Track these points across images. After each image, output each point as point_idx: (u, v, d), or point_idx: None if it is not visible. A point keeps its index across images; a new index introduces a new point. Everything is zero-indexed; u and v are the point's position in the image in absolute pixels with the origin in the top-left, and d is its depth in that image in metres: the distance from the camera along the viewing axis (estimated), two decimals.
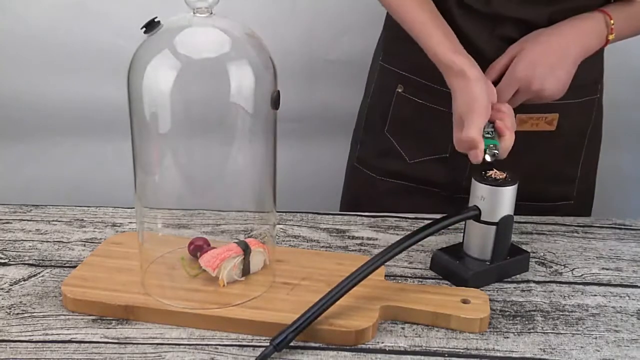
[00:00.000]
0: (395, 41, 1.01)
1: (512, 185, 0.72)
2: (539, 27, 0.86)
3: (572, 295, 0.73)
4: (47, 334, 0.64)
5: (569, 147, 0.98)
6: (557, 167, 0.98)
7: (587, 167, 1.01)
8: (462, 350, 0.63)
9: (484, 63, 0.89)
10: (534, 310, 0.70)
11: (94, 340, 0.63)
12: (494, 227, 0.73)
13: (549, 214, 0.93)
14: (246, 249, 0.69)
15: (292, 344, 0.63)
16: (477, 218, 0.73)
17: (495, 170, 0.74)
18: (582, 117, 0.97)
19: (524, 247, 0.80)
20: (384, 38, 1.03)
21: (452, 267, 0.75)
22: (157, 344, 0.63)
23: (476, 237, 0.75)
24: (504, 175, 0.73)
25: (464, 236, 0.76)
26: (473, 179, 0.73)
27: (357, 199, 1.06)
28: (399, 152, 1.00)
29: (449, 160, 0.97)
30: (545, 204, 0.98)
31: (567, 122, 0.95)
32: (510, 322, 0.68)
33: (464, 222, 0.75)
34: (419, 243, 0.82)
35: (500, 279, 0.75)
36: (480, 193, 0.72)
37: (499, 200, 0.72)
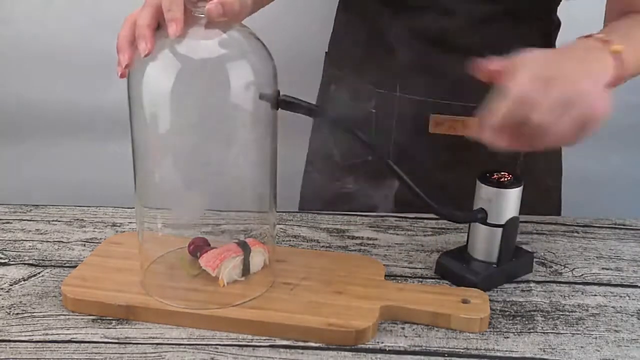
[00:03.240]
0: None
1: (517, 186, 0.72)
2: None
3: (572, 295, 0.73)
4: (47, 334, 0.64)
5: (499, 162, 0.87)
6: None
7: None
8: (462, 350, 0.63)
9: (396, 59, 0.89)
10: (534, 310, 0.70)
11: (94, 340, 0.63)
12: (500, 230, 0.73)
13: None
14: (246, 249, 0.69)
15: (291, 343, 0.63)
16: (483, 220, 0.73)
17: (499, 172, 0.73)
18: None
19: (524, 247, 0.80)
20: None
21: (459, 271, 0.74)
22: (157, 344, 0.63)
23: (482, 240, 0.74)
24: (509, 176, 0.73)
25: (468, 238, 0.76)
26: (478, 182, 0.73)
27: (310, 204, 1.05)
28: (331, 155, 0.99)
29: (372, 164, 0.94)
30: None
31: None
32: (510, 322, 0.68)
33: (467, 225, 0.75)
34: (419, 243, 0.83)
35: (506, 281, 0.75)
36: (486, 195, 0.72)
37: (505, 202, 0.72)
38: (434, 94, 0.90)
